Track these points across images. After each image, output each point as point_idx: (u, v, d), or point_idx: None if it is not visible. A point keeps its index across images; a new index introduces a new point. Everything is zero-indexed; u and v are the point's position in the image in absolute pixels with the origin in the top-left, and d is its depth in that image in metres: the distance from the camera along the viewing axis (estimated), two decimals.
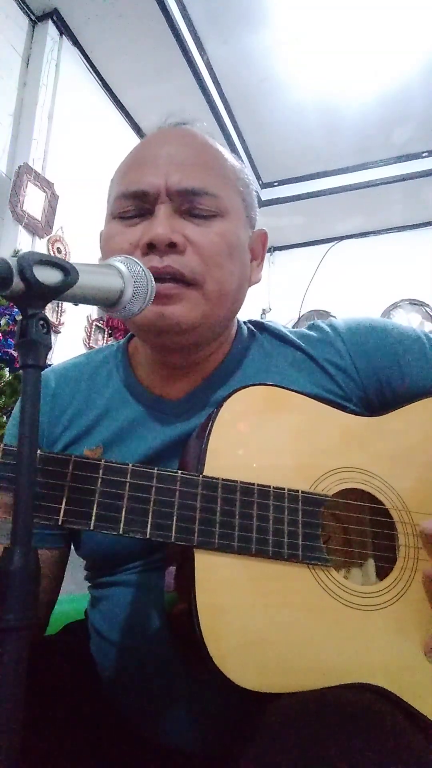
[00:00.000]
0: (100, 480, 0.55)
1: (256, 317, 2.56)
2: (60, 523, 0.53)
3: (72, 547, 0.77)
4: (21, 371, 0.43)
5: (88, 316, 2.79)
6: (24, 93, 2.53)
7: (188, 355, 0.72)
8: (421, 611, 0.61)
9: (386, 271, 4.03)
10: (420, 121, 3.20)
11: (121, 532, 0.54)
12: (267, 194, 3.86)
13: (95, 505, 0.54)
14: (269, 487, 0.59)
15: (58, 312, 2.56)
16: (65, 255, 2.54)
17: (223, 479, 0.58)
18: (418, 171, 3.53)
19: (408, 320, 3.94)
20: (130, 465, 0.56)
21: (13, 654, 0.36)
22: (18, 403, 0.48)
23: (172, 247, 0.65)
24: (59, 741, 0.60)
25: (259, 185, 3.80)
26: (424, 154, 3.49)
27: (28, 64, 2.56)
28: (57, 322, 2.54)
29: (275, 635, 0.55)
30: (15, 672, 0.35)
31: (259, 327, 0.81)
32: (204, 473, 0.58)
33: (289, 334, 0.78)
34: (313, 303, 4.23)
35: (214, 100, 3.03)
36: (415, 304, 3.97)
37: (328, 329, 0.77)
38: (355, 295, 3.95)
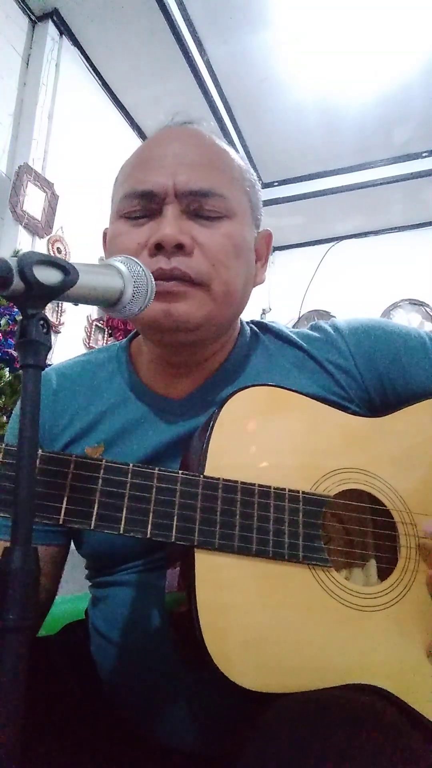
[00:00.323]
0: (101, 480, 0.55)
1: (256, 317, 2.57)
2: (61, 522, 0.53)
3: (73, 546, 0.77)
4: (21, 371, 0.43)
5: (88, 316, 2.79)
6: (24, 93, 2.53)
7: (192, 354, 0.72)
8: (423, 612, 0.60)
9: (386, 271, 4.03)
10: (420, 121, 3.20)
11: (121, 531, 0.54)
12: (267, 194, 3.86)
13: (96, 505, 0.54)
14: (270, 487, 0.59)
15: (58, 312, 2.56)
16: (65, 255, 2.54)
17: (223, 479, 0.58)
18: (418, 171, 3.53)
19: (408, 320, 3.95)
20: (131, 465, 0.56)
21: (13, 654, 0.36)
22: (19, 403, 0.48)
23: (179, 248, 0.64)
24: (59, 741, 0.60)
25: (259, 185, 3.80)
26: (424, 154, 3.49)
27: (28, 64, 2.56)
28: (57, 322, 2.54)
29: (276, 635, 0.55)
30: (15, 672, 0.35)
31: (262, 327, 0.81)
32: (205, 473, 0.58)
33: (291, 334, 0.78)
34: (313, 303, 4.23)
35: (214, 100, 3.03)
36: (415, 304, 3.98)
37: (330, 330, 0.77)
38: (355, 295, 3.95)
